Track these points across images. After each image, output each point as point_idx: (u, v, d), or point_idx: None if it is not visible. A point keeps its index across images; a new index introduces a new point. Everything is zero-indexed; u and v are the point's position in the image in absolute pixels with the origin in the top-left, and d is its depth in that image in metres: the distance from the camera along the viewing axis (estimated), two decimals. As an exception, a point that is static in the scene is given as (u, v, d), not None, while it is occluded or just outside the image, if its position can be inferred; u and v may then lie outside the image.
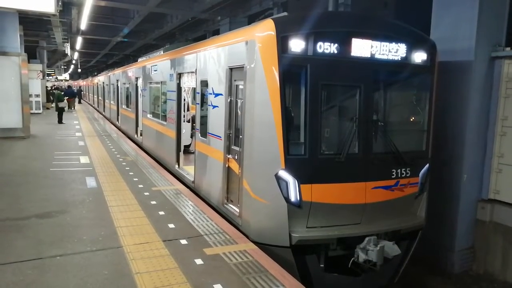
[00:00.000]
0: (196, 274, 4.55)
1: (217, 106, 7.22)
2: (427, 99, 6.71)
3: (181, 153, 10.02)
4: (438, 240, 8.31)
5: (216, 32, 21.01)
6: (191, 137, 11.25)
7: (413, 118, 7.18)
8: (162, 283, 4.33)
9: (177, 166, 9.93)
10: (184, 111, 10.44)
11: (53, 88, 38.81)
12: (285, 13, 6.99)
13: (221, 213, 6.94)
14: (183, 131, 10.12)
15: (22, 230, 5.74)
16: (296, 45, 5.53)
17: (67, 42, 29.67)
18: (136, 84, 15.47)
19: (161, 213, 6.69)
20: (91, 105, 39.80)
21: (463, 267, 8.39)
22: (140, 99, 15.08)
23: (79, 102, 44.56)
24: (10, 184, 8.29)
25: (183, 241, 5.51)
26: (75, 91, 37.60)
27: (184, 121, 10.40)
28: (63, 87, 42.37)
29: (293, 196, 5.57)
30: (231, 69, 6.67)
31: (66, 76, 69.17)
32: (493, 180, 8.26)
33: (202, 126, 8.22)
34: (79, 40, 29.41)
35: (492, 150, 8.24)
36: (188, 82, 9.52)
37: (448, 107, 8.09)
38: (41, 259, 4.83)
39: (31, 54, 26.16)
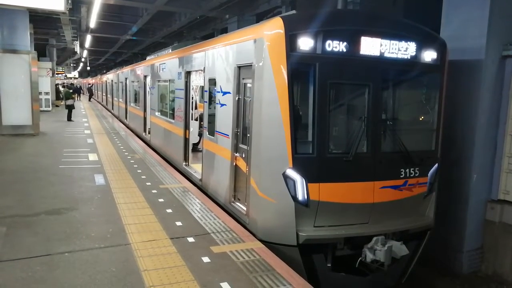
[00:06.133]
0: (203, 272, 4.56)
1: (225, 105, 7.22)
2: (436, 98, 6.65)
3: (189, 151, 10.04)
4: (446, 240, 8.24)
5: (224, 31, 20.99)
6: (199, 135, 11.28)
7: (422, 117, 7.13)
8: (170, 280, 4.34)
9: (184, 164, 9.96)
10: (192, 109, 10.46)
11: (60, 85, 39.17)
12: (294, 11, 6.97)
13: (228, 211, 6.95)
14: (191, 129, 10.15)
15: (31, 226, 5.80)
16: (305, 43, 5.50)
17: (77, 40, 29.84)
18: (145, 82, 15.53)
19: (169, 210, 6.71)
20: (100, 103, 40.05)
21: (471, 268, 8.32)
22: (148, 97, 15.14)
23: (89, 100, 44.98)
24: (20, 181, 8.37)
25: (190, 239, 5.53)
26: (78, 87, 44.64)
27: (192, 119, 10.41)
28: (67, 84, 42.96)
29: (301, 195, 5.55)
30: (239, 67, 6.66)
31: (75, 74, 69.66)
32: (503, 181, 8.16)
33: (210, 125, 8.23)
34: (88, 38, 29.53)
35: (502, 150, 8.14)
36: (196, 80, 9.53)
37: (458, 107, 8.01)
38: (50, 255, 4.87)
39: (41, 52, 26.39)
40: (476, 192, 8.15)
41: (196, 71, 9.28)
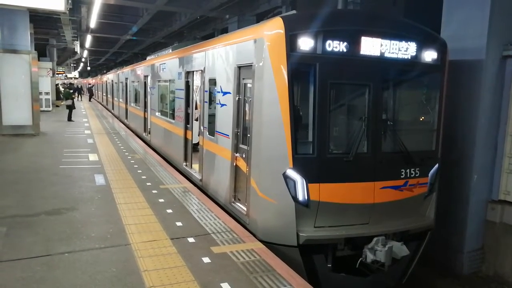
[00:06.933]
0: (204, 273, 4.55)
1: (225, 105, 7.22)
2: (437, 98, 6.64)
3: (189, 152, 10.02)
4: (447, 241, 8.23)
5: (225, 31, 21.00)
6: (199, 135, 11.26)
7: (422, 117, 7.12)
8: (170, 281, 4.34)
9: (185, 164, 9.95)
10: (193, 109, 10.46)
11: (60, 85, 39.20)
12: (294, 11, 6.96)
13: (228, 211, 6.94)
14: (193, 129, 10.13)
15: (32, 226, 5.79)
16: (305, 43, 5.50)
17: (77, 40, 29.87)
18: (145, 82, 15.54)
19: (169, 211, 6.71)
20: (100, 103, 40.05)
21: (472, 269, 8.30)
22: (148, 97, 15.14)
23: (89, 100, 45.03)
24: (20, 181, 8.36)
25: (191, 239, 5.52)
26: (79, 87, 45.95)
27: (193, 120, 10.41)
28: (67, 84, 43.00)
29: (301, 195, 5.55)
30: (239, 67, 6.66)
31: (75, 74, 69.69)
32: (504, 181, 8.15)
33: (210, 125, 8.22)
34: (88, 38, 29.57)
35: (503, 150, 8.13)
36: (197, 81, 9.52)
37: (458, 107, 8.00)
38: (50, 255, 4.86)
39: (41, 52, 26.38)
40: (476, 193, 8.14)
41: (196, 71, 9.27)
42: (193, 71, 9.49)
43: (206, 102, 8.52)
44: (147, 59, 17.16)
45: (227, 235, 5.76)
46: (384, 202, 6.04)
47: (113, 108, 28.05)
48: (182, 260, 4.86)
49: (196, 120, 11.37)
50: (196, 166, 9.59)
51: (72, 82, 49.95)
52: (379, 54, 5.90)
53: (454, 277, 8.16)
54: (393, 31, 6.08)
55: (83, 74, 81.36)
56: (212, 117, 8.13)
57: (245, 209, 6.39)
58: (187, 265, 4.73)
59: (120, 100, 23.32)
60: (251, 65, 6.10)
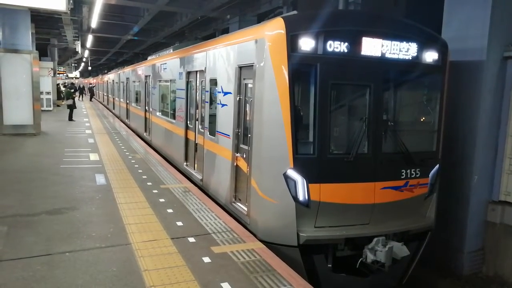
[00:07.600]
0: (204, 272, 4.56)
1: (226, 105, 7.22)
2: (437, 99, 6.64)
3: (190, 152, 10.02)
4: (447, 241, 8.23)
5: (226, 31, 21.02)
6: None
7: (423, 118, 7.12)
8: (170, 280, 4.34)
9: (185, 164, 9.96)
10: (194, 109, 10.46)
11: (61, 85, 39.22)
12: (295, 12, 6.97)
13: (229, 211, 6.95)
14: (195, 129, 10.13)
15: (32, 226, 5.80)
16: (306, 43, 5.50)
17: (78, 40, 29.92)
18: (146, 82, 15.55)
19: (170, 211, 6.71)
20: (101, 103, 40.08)
21: (472, 269, 8.30)
22: (149, 97, 15.16)
23: (90, 100, 45.06)
24: (21, 180, 8.37)
25: (191, 239, 5.53)
26: (81, 87, 46.66)
27: (194, 120, 10.41)
28: (68, 84, 43.02)
29: (302, 195, 5.55)
30: (240, 67, 6.67)
31: (76, 73, 69.78)
32: (504, 182, 8.15)
33: (210, 125, 8.23)
34: (89, 38, 29.62)
35: (503, 151, 8.13)
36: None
37: (459, 107, 8.00)
38: (51, 255, 4.87)
39: (42, 51, 26.43)
40: (477, 193, 8.13)
41: (197, 71, 9.28)
42: (194, 71, 9.49)
43: (207, 102, 8.53)
44: (148, 59, 17.17)
45: (228, 235, 5.76)
46: (385, 203, 6.05)
47: (114, 108, 28.08)
48: (183, 259, 4.87)
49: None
50: (196, 166, 9.60)
51: (74, 82, 50.16)
52: (380, 55, 5.91)
53: (454, 278, 8.16)
54: (394, 31, 6.08)
55: (84, 74, 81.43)
56: (212, 117, 8.13)
57: (245, 209, 6.40)
58: (188, 264, 4.74)
59: (121, 100, 23.35)
60: (252, 65, 6.11)
